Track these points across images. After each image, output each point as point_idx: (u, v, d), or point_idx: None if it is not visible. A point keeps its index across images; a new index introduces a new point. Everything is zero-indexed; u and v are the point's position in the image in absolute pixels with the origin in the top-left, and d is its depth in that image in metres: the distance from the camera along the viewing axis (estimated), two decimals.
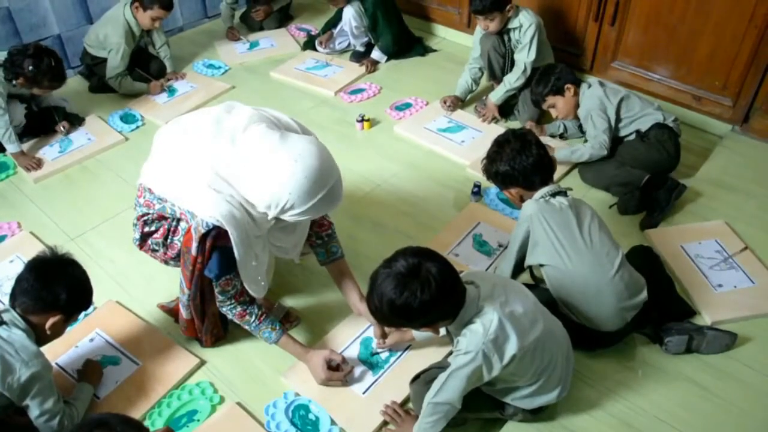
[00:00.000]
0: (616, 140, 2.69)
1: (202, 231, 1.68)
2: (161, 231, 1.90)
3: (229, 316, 1.89)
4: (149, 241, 1.93)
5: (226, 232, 1.66)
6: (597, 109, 2.62)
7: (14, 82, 2.78)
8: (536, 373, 1.67)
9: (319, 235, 2.04)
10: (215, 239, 1.70)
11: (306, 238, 2.03)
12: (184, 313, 1.96)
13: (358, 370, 1.98)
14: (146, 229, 1.91)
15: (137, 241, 1.94)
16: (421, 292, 1.47)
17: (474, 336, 1.55)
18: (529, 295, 1.71)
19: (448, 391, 1.61)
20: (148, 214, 1.88)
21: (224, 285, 1.80)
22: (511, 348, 1.55)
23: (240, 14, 4.19)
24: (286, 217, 1.68)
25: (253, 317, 1.88)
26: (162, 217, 1.88)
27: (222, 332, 2.08)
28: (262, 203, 1.66)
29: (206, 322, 1.98)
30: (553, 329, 1.73)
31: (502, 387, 1.72)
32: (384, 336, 2.02)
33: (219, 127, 1.74)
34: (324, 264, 2.08)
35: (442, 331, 1.75)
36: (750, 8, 2.68)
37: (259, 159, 1.65)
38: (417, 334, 2.01)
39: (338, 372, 1.92)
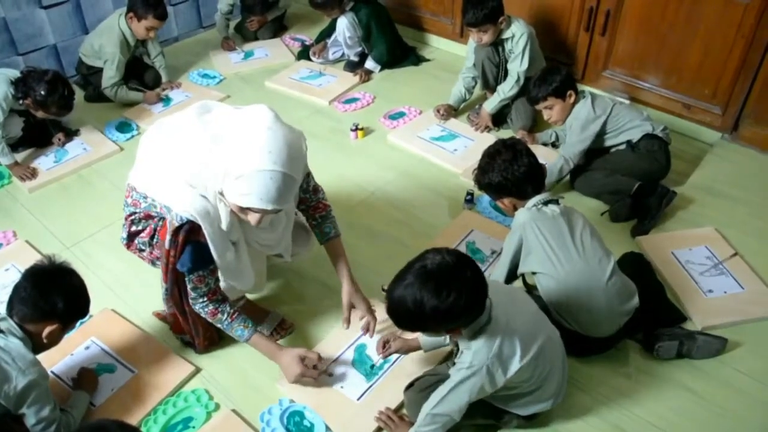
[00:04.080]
0: (602, 150, 2.73)
1: (176, 224, 1.70)
2: (147, 230, 1.92)
3: (202, 315, 1.90)
4: (136, 241, 1.95)
5: (200, 227, 1.67)
6: (580, 124, 2.64)
7: (22, 101, 2.80)
8: (537, 381, 1.69)
9: (314, 217, 2.07)
10: (188, 233, 1.71)
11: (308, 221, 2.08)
12: (166, 307, 1.98)
13: (354, 377, 1.99)
14: (133, 228, 1.93)
15: (124, 240, 1.95)
16: (463, 294, 1.44)
17: (479, 351, 1.55)
18: (531, 302, 1.72)
19: (448, 403, 1.61)
20: (135, 213, 1.90)
21: (197, 282, 1.81)
22: (515, 363, 1.57)
23: (235, 24, 4.21)
24: (230, 189, 1.61)
25: (225, 315, 1.88)
26: (149, 216, 1.90)
27: (216, 336, 2.08)
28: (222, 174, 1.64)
29: (191, 321, 1.98)
30: (553, 337, 1.74)
31: (501, 394, 1.72)
32: (387, 342, 1.99)
33: (200, 120, 1.76)
34: (321, 244, 2.11)
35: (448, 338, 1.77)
36: (738, 19, 2.73)
37: (234, 130, 1.65)
38: (424, 342, 1.98)
39: (312, 370, 1.91)
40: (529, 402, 1.74)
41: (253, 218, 1.65)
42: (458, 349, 1.67)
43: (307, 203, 2.04)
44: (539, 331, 1.65)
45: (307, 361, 1.91)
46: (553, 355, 1.71)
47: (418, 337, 1.97)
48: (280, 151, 1.56)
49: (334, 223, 2.10)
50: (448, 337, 1.86)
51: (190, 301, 1.87)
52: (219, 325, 1.91)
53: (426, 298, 1.44)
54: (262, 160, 1.55)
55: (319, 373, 1.93)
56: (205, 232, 1.68)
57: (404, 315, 1.50)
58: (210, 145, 1.69)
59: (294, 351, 1.92)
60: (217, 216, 1.69)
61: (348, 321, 2.04)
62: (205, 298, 1.85)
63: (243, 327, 1.90)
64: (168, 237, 1.73)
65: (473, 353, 1.56)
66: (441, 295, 1.43)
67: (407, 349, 2.00)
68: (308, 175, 1.98)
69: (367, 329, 2.04)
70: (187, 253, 1.74)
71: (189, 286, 1.83)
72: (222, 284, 1.90)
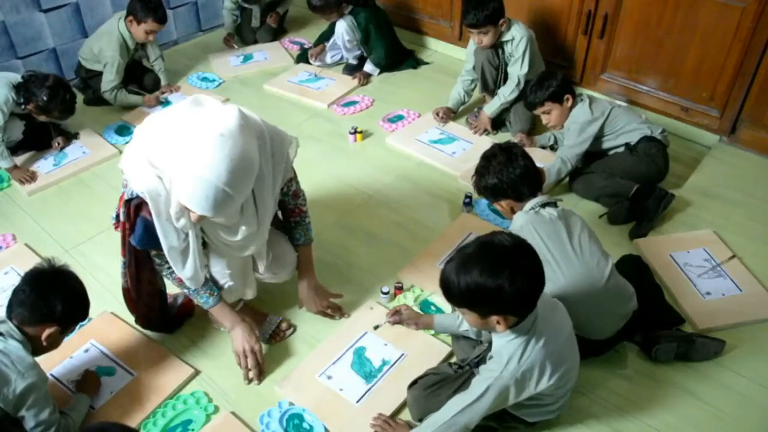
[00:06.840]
0: (601, 153, 2.74)
1: (126, 198, 1.72)
2: None
3: (168, 281, 1.93)
4: None
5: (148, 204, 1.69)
6: (578, 126, 2.66)
7: (24, 106, 2.81)
8: (554, 398, 1.70)
9: (288, 220, 2.11)
10: (137, 208, 1.73)
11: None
12: (123, 280, 2.00)
13: (353, 379, 2.00)
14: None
15: (113, 219, 1.96)
16: (517, 277, 1.43)
17: (510, 362, 1.55)
18: (569, 322, 1.72)
19: (471, 412, 1.59)
20: None
21: (155, 256, 1.86)
22: (543, 382, 1.58)
23: (234, 28, 4.22)
24: (174, 182, 1.62)
25: None
26: None
27: (156, 319, 2.13)
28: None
29: (141, 297, 2.02)
30: (576, 362, 1.74)
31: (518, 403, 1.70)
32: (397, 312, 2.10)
33: (188, 111, 1.75)
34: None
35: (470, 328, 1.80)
36: (734, 22, 2.74)
37: (194, 126, 1.62)
38: (439, 322, 2.02)
39: (252, 354, 2.00)
40: (540, 412, 1.75)
41: (193, 216, 1.65)
42: (478, 358, 1.68)
43: (284, 206, 2.07)
44: (570, 355, 1.66)
45: (254, 355, 2.00)
46: (576, 371, 1.73)
47: (435, 316, 2.03)
48: (218, 163, 1.53)
49: (306, 230, 2.12)
50: (462, 322, 1.89)
51: (156, 267, 1.91)
52: (185, 290, 1.95)
53: (478, 272, 1.44)
54: (196, 166, 1.54)
55: (253, 363, 2.00)
56: (152, 211, 1.69)
57: (455, 286, 1.48)
58: (180, 132, 1.66)
59: (247, 328, 2.01)
60: (167, 199, 1.69)
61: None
62: (169, 265, 1.87)
63: (209, 295, 1.96)
64: (122, 209, 1.75)
65: (505, 364, 1.55)
66: (495, 271, 1.42)
67: (416, 321, 2.08)
68: (291, 180, 1.98)
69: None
70: (138, 227, 1.76)
71: (152, 254, 1.87)
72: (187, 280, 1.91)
